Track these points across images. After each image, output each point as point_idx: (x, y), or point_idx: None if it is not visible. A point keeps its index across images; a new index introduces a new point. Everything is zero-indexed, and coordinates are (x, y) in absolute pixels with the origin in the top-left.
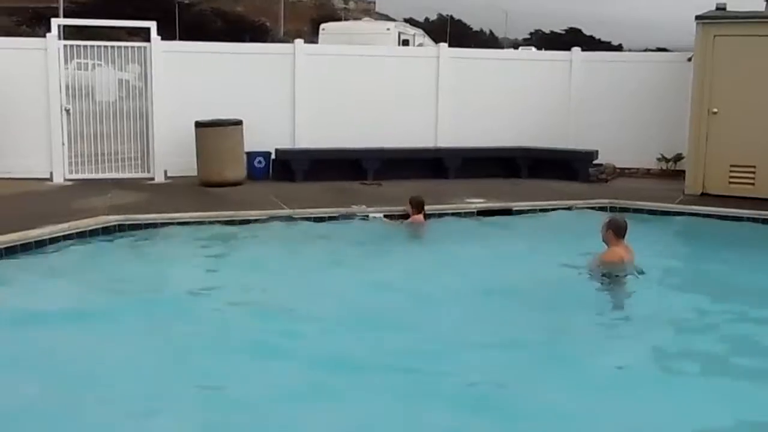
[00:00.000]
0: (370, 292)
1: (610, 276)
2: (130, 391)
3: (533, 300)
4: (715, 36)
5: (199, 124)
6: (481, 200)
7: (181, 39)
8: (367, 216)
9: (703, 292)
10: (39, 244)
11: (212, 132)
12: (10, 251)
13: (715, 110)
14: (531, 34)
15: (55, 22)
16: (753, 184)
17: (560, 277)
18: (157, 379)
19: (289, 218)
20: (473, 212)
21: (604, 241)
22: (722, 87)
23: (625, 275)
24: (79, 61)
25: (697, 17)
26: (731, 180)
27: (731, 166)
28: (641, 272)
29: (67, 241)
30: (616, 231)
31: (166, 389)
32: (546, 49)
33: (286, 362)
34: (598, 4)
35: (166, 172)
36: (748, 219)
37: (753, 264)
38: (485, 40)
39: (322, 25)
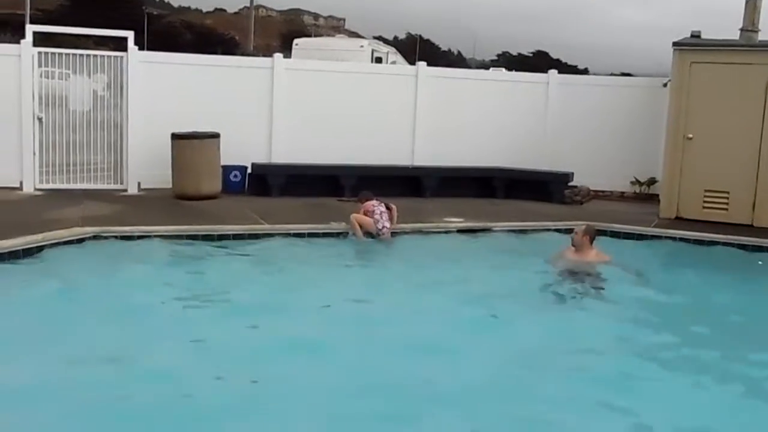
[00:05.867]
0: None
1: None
2: None
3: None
4: (691, 63)
5: (175, 136)
6: (460, 219)
7: (149, 50)
8: (347, 233)
9: (679, 313)
10: (12, 255)
11: (189, 144)
12: None
13: (690, 136)
14: (498, 55)
15: (30, 29)
16: (726, 209)
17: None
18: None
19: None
20: (453, 231)
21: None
22: (697, 113)
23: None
24: (45, 69)
25: (674, 44)
26: (705, 205)
27: (705, 191)
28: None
29: (41, 252)
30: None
31: None
32: (514, 71)
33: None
34: (564, 29)
35: (139, 184)
36: (723, 244)
37: (726, 286)
38: (453, 60)
39: (296, 41)
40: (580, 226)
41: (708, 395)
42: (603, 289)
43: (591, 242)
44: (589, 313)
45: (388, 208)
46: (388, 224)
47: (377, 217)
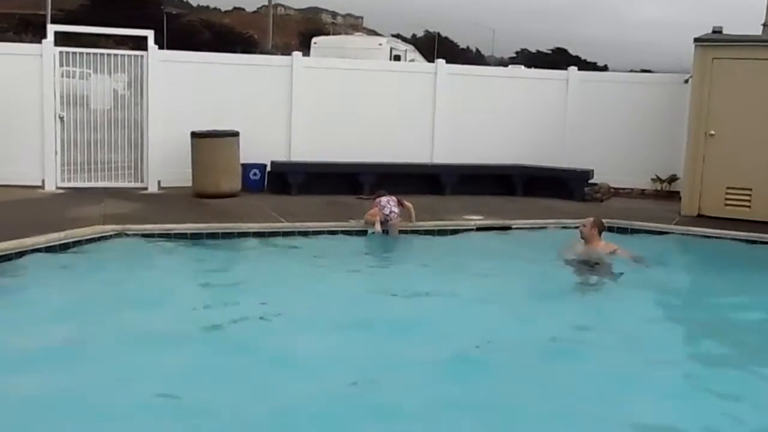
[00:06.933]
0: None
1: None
2: None
3: None
4: (713, 58)
5: (195, 135)
6: (480, 217)
7: (168, 49)
8: (366, 231)
9: (702, 311)
10: (34, 253)
11: (209, 143)
12: (5, 259)
13: (712, 132)
14: (517, 53)
15: (51, 29)
16: (749, 206)
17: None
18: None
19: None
20: (472, 229)
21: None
22: (719, 109)
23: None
24: (66, 68)
25: (696, 39)
26: (727, 202)
27: (727, 188)
28: None
29: (63, 249)
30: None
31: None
32: (533, 68)
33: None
34: (583, 26)
35: (159, 182)
36: (746, 241)
37: (751, 284)
38: (472, 57)
39: (314, 39)
40: (588, 218)
41: (716, 382)
42: (613, 278)
43: (599, 234)
44: (600, 301)
45: (401, 204)
46: (396, 209)
47: (383, 204)
